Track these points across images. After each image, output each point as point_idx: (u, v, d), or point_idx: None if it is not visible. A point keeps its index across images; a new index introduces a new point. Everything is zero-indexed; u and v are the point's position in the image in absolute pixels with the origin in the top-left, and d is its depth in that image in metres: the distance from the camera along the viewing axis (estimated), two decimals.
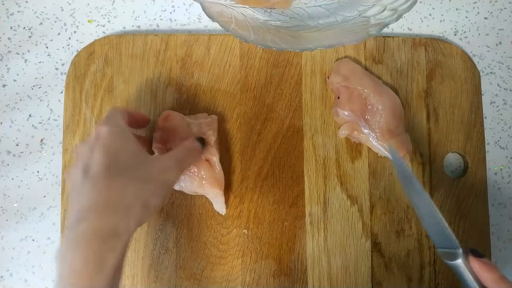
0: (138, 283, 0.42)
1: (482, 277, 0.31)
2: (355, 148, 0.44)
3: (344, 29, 0.41)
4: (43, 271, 0.44)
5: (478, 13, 0.49)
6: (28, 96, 0.46)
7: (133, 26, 0.47)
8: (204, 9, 0.38)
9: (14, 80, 0.46)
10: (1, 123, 0.46)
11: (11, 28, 0.47)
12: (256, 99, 0.45)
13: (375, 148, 0.43)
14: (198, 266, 0.43)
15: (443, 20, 0.49)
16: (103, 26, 0.47)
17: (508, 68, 0.48)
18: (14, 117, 0.46)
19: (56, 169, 0.45)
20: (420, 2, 0.48)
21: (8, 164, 0.45)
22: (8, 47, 0.47)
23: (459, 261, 0.32)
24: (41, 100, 0.46)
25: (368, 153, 0.44)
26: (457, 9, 0.49)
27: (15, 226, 0.44)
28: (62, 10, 0.47)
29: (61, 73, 0.46)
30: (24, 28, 0.47)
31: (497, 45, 0.49)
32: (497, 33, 0.49)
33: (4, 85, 0.46)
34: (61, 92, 0.46)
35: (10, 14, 0.47)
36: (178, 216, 0.43)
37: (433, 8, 0.49)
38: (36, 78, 0.46)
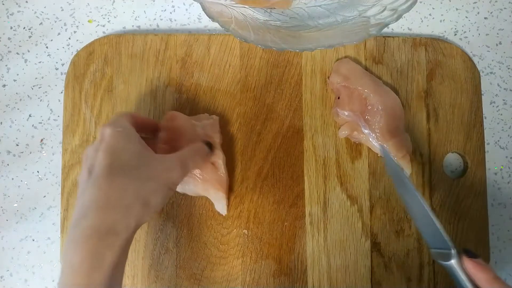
0: (138, 283, 0.42)
1: (476, 278, 0.31)
2: (355, 148, 0.44)
3: (344, 29, 0.41)
4: (43, 271, 0.44)
5: (478, 13, 0.49)
6: (28, 96, 0.46)
7: (133, 26, 0.47)
8: (204, 9, 0.38)
9: (14, 80, 0.46)
10: (1, 123, 0.46)
11: (11, 28, 0.47)
12: (256, 99, 0.45)
13: (375, 148, 0.43)
14: (198, 266, 0.43)
15: (443, 20, 0.49)
16: (103, 26, 0.47)
17: (508, 68, 0.48)
18: (14, 117, 0.46)
19: (56, 169, 0.45)
20: (420, 2, 0.48)
21: (8, 164, 0.45)
22: (8, 47, 0.46)
23: (453, 262, 0.32)
24: (41, 100, 0.46)
25: (368, 153, 0.44)
26: (457, 9, 0.49)
27: (15, 226, 0.44)
28: (62, 10, 0.47)
29: (61, 73, 0.46)
30: (24, 28, 0.47)
31: (497, 45, 0.49)
32: (497, 33, 0.49)
33: (4, 85, 0.46)
34: (61, 92, 0.46)
35: (10, 14, 0.47)
36: (178, 216, 0.43)
37: (433, 8, 0.49)
38: (36, 78, 0.46)
